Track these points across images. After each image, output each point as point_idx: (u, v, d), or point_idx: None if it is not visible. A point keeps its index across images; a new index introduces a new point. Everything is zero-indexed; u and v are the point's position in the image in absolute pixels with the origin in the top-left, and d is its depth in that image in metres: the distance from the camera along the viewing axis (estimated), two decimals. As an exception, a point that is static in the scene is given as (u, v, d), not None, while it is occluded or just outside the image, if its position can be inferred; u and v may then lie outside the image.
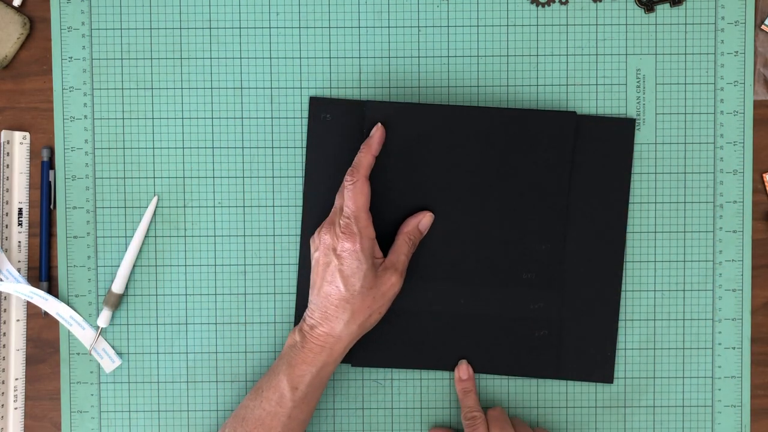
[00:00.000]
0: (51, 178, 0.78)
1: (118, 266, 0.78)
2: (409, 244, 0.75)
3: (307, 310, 0.73)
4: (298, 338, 0.72)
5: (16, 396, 0.79)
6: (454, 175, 0.76)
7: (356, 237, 0.71)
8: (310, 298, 0.73)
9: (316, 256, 0.73)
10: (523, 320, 0.77)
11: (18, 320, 0.79)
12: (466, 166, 0.76)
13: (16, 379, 0.79)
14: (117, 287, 0.77)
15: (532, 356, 0.78)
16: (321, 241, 0.72)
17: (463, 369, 0.78)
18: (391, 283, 0.73)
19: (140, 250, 0.78)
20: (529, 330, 0.77)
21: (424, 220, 0.76)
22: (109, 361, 0.78)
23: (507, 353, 0.78)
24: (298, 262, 0.78)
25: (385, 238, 0.75)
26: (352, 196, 0.71)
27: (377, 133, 0.74)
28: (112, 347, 0.79)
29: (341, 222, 0.71)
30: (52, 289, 0.79)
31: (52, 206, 0.78)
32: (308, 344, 0.72)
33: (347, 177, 0.72)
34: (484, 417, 0.75)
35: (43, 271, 0.78)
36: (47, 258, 0.79)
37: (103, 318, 0.78)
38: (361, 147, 0.73)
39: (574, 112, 0.76)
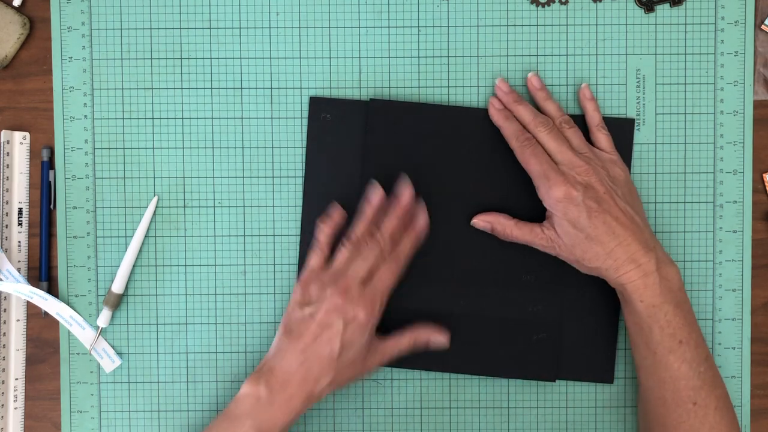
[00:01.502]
0: (51, 178, 0.78)
1: (118, 266, 0.78)
2: (411, 347, 0.74)
3: (276, 361, 0.70)
4: (263, 393, 0.68)
5: (16, 396, 0.79)
6: (457, 175, 0.76)
7: (374, 313, 0.70)
8: (285, 347, 0.70)
9: (309, 311, 0.70)
10: (523, 323, 0.77)
11: (18, 320, 0.79)
12: (469, 167, 0.76)
13: (16, 379, 0.79)
14: (117, 287, 0.77)
15: (531, 360, 0.77)
16: (330, 301, 0.70)
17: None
18: (375, 366, 0.73)
19: (140, 250, 0.78)
20: (528, 333, 0.77)
21: (433, 338, 0.75)
22: (109, 361, 0.78)
23: (506, 356, 0.77)
24: (297, 262, 0.78)
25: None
26: (395, 269, 0.71)
27: (380, 198, 0.74)
28: (112, 347, 0.79)
29: (366, 292, 0.70)
30: (52, 289, 0.79)
31: (52, 206, 0.78)
32: (278, 400, 0.68)
33: (393, 253, 0.72)
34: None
35: (43, 271, 0.78)
36: (47, 258, 0.79)
37: (103, 318, 0.78)
38: (392, 218, 0.73)
39: (581, 116, 0.77)
